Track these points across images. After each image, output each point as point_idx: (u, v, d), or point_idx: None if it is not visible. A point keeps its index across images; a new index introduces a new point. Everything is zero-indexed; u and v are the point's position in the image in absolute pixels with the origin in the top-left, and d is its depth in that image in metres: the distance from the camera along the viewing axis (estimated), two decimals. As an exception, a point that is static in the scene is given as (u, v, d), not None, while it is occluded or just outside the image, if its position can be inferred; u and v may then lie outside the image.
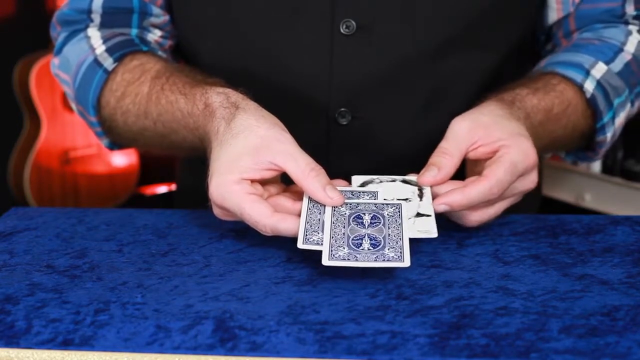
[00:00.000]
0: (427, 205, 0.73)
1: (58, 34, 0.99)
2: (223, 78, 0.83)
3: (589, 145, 0.94)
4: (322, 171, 0.71)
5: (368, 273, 0.68)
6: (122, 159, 2.54)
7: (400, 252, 0.66)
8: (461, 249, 0.74)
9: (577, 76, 0.88)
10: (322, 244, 0.68)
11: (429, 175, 0.74)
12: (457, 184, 0.74)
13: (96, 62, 0.92)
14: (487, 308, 0.62)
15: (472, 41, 0.89)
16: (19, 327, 0.61)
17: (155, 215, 0.85)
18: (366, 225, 0.69)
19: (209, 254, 0.74)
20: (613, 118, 0.91)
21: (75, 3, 0.96)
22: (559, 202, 1.96)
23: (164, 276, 0.69)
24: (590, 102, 0.89)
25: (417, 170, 0.76)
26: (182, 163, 1.13)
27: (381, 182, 0.76)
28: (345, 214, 0.71)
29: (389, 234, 0.68)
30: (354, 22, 0.87)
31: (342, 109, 0.89)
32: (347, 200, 0.72)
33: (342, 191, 0.73)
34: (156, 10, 0.95)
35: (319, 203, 0.71)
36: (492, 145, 0.75)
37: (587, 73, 0.89)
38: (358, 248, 0.67)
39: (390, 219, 0.70)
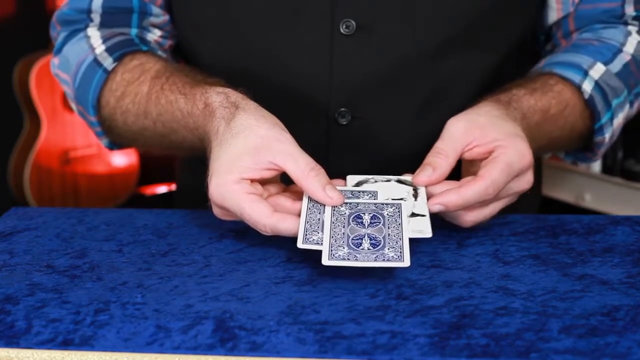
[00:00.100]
0: (422, 205, 0.73)
1: (58, 33, 0.99)
2: (223, 78, 0.83)
3: (588, 145, 0.94)
4: (322, 171, 0.71)
5: (368, 273, 0.68)
6: (122, 159, 2.54)
7: (400, 252, 0.66)
8: (461, 249, 0.74)
9: (575, 77, 0.88)
10: (322, 243, 0.68)
11: (423, 175, 0.74)
12: (452, 184, 0.74)
13: (96, 61, 0.92)
14: (487, 308, 0.62)
15: (472, 41, 0.89)
16: (19, 327, 0.61)
17: (155, 215, 0.85)
18: (366, 225, 0.69)
19: (209, 254, 0.74)
20: (611, 119, 0.91)
21: (75, 3, 0.96)
22: (559, 202, 1.96)
23: (164, 276, 0.69)
24: (588, 103, 0.89)
25: (416, 170, 0.76)
26: (182, 163, 1.13)
27: (376, 181, 0.76)
28: (345, 213, 0.71)
29: (388, 234, 0.68)
30: (354, 22, 0.87)
31: (342, 109, 0.89)
32: (346, 200, 0.72)
33: (341, 191, 0.73)
34: (156, 10, 0.95)
35: (319, 203, 0.71)
36: (488, 145, 0.75)
37: (586, 74, 0.89)
38: (358, 248, 0.67)
39: (390, 219, 0.70)
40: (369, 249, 0.67)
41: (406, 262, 0.65)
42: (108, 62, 0.92)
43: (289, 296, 0.65)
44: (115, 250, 0.76)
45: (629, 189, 1.83)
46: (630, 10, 0.93)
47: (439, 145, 0.76)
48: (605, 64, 0.90)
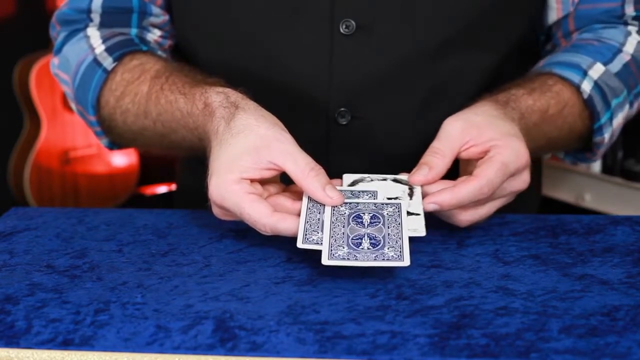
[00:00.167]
0: (417, 204, 0.73)
1: (57, 33, 0.99)
2: (223, 78, 0.83)
3: (587, 146, 0.94)
4: (322, 171, 0.71)
5: (368, 273, 0.68)
6: (122, 159, 2.54)
7: (400, 252, 0.66)
8: (461, 249, 0.74)
9: (575, 77, 0.88)
10: (321, 243, 0.68)
11: (420, 174, 0.74)
12: (447, 183, 0.74)
13: (95, 61, 0.92)
14: (487, 308, 0.62)
15: (472, 41, 0.89)
16: (19, 327, 0.61)
17: (155, 215, 0.85)
18: (366, 225, 0.69)
19: (209, 254, 0.74)
20: (611, 119, 0.91)
21: (75, 3, 0.96)
22: (559, 202, 1.96)
23: (164, 276, 0.69)
24: (588, 103, 0.88)
25: (413, 169, 0.76)
26: (182, 163, 1.13)
27: (372, 180, 0.76)
28: (345, 213, 0.71)
29: (388, 234, 0.68)
30: (353, 22, 0.87)
31: (342, 109, 0.89)
32: (346, 200, 0.72)
33: (341, 191, 0.73)
34: (156, 10, 0.95)
35: (319, 203, 0.71)
36: (484, 145, 0.75)
37: (585, 74, 0.88)
38: (358, 247, 0.67)
39: (390, 219, 0.70)
40: (368, 249, 0.67)
41: (406, 262, 0.65)
42: (108, 62, 0.92)
43: (289, 296, 0.65)
44: (115, 250, 0.76)
45: (629, 189, 1.83)
46: (630, 10, 0.93)
47: (436, 144, 0.76)
48: (605, 64, 0.90)
